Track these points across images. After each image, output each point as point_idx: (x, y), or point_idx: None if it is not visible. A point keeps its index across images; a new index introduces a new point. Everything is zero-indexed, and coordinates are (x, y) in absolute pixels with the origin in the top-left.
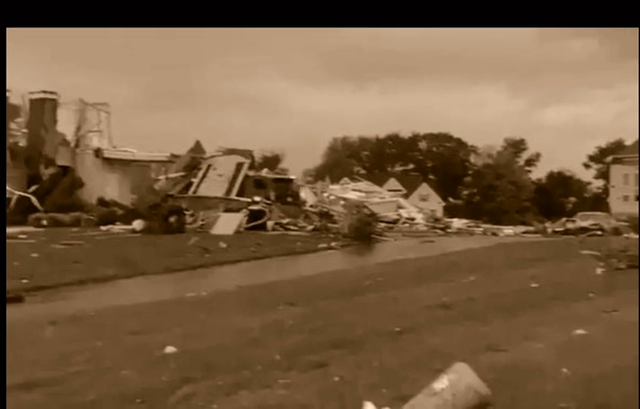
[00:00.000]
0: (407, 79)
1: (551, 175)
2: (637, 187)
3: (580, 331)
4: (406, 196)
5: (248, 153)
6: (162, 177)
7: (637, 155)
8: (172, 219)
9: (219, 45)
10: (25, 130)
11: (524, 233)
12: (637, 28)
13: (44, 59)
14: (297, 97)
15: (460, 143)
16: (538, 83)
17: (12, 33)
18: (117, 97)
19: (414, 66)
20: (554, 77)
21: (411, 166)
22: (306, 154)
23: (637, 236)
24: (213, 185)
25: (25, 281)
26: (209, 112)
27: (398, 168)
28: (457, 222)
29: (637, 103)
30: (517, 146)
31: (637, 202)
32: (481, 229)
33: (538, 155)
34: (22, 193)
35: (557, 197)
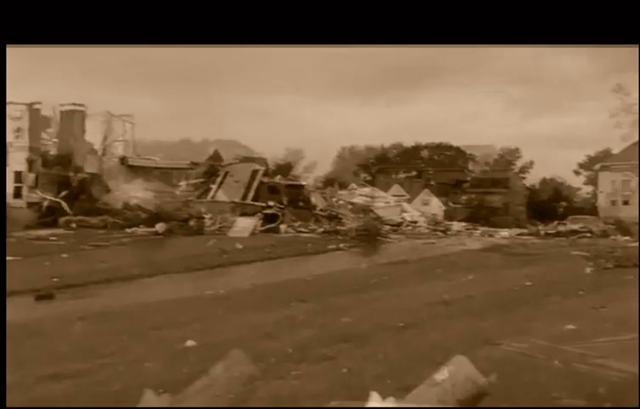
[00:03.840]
0: (410, 92)
1: (543, 182)
2: (624, 193)
3: (570, 326)
4: (409, 201)
5: (262, 161)
6: (182, 183)
7: (624, 163)
8: (192, 222)
9: (236, 61)
10: (55, 140)
11: (519, 235)
12: (636, 44)
13: (74, 74)
14: (308, 110)
15: (459, 152)
16: (531, 95)
17: (44, 51)
18: (142, 109)
19: (417, 80)
20: (547, 90)
21: (414, 173)
22: (317, 162)
23: (624, 238)
24: (230, 190)
25: (55, 280)
26: (227, 123)
27: (402, 175)
28: (456, 225)
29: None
30: (512, 154)
31: (624, 206)
32: (478, 232)
33: (531, 163)
34: (53, 198)
35: (549, 202)
